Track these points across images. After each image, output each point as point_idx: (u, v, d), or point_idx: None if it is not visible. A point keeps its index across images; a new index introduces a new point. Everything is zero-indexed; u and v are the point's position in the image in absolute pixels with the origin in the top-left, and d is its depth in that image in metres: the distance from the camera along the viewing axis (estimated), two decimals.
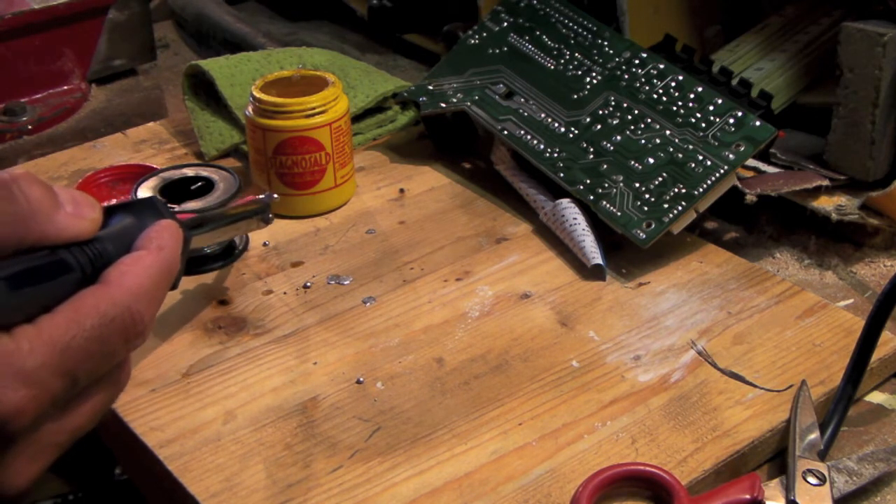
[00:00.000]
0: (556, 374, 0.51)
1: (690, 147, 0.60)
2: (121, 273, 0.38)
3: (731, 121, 0.60)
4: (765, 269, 0.60)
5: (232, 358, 0.53)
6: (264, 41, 0.86)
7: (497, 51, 0.70)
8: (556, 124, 0.65)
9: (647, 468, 0.45)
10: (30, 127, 0.81)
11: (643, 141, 0.62)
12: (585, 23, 0.69)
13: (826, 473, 0.45)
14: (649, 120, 0.63)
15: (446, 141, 0.72)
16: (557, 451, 0.47)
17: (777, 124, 0.60)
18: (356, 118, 0.72)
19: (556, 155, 0.64)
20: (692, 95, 0.62)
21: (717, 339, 0.53)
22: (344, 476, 0.46)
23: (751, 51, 0.70)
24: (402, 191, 0.68)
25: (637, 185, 0.60)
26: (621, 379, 0.51)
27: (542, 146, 0.65)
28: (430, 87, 0.71)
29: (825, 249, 0.63)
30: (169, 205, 0.58)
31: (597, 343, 0.53)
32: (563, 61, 0.68)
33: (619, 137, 0.63)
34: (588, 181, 0.62)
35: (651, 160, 0.61)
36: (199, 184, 0.61)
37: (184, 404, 0.50)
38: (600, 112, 0.64)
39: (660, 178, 0.60)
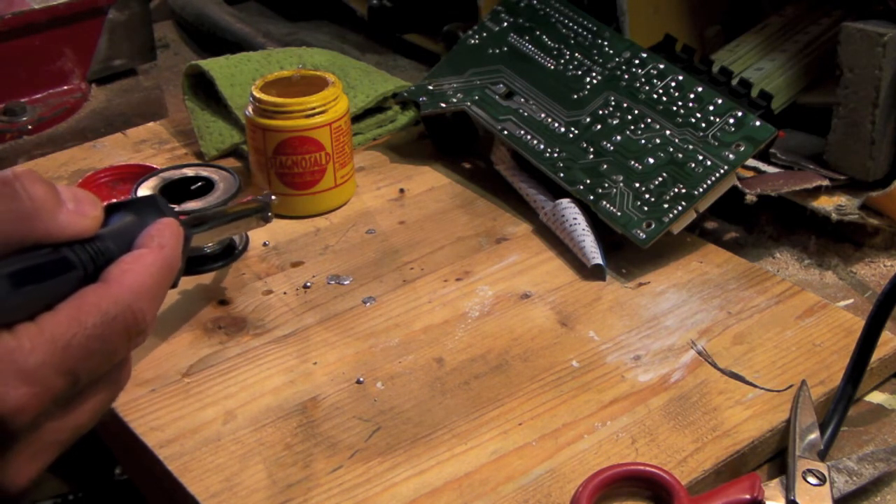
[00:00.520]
0: (556, 374, 0.51)
1: (690, 147, 0.60)
2: (122, 271, 0.38)
3: (731, 121, 0.60)
4: (765, 269, 0.60)
5: (232, 358, 0.53)
6: (264, 41, 0.86)
7: (497, 51, 0.70)
8: (556, 124, 0.65)
9: (647, 468, 0.45)
10: (30, 127, 0.81)
11: (643, 141, 0.62)
12: (585, 23, 0.69)
13: (826, 473, 0.45)
14: (649, 120, 0.63)
15: (446, 141, 0.72)
16: (557, 451, 0.47)
17: (777, 124, 0.60)
18: (356, 118, 0.72)
19: (556, 155, 0.64)
20: (692, 95, 0.62)
21: (717, 339, 0.53)
22: (344, 476, 0.46)
23: (751, 51, 0.70)
24: (402, 191, 0.68)
25: (637, 185, 0.60)
26: (621, 379, 0.51)
27: (542, 146, 0.65)
28: (430, 87, 0.71)
29: (825, 249, 0.63)
30: (169, 205, 0.58)
31: (597, 343, 0.53)
32: (563, 61, 0.68)
33: (619, 137, 0.63)
34: (588, 181, 0.62)
35: (651, 160, 0.61)
36: (199, 184, 0.61)
37: (184, 404, 0.50)
38: (600, 112, 0.64)
39: (660, 178, 0.60)
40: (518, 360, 0.52)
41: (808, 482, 0.44)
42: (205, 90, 0.74)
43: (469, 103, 0.68)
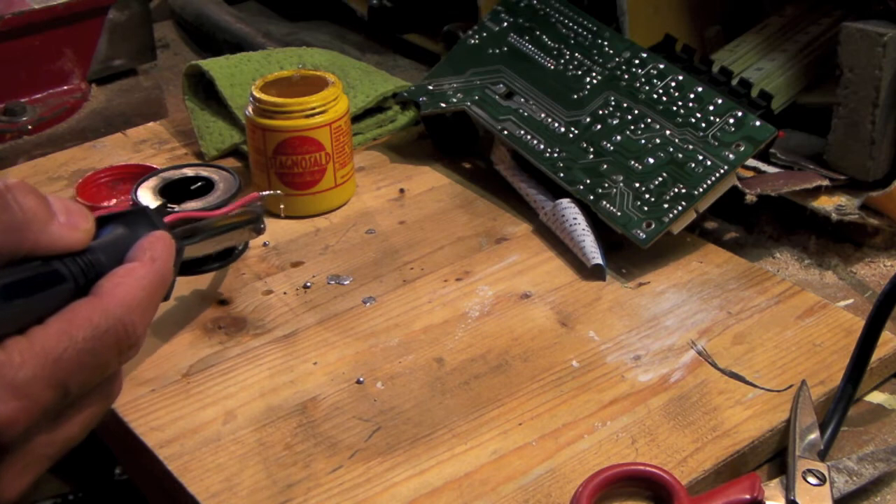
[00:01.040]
0: (556, 374, 0.51)
1: (690, 147, 0.60)
2: (114, 285, 0.38)
3: (731, 121, 0.60)
4: (765, 269, 0.60)
5: (232, 358, 0.53)
6: (264, 41, 0.86)
7: (497, 51, 0.70)
8: (556, 124, 0.65)
9: (647, 468, 0.45)
10: (30, 127, 0.81)
11: (643, 141, 0.62)
12: (585, 23, 0.69)
13: (826, 473, 0.45)
14: (649, 120, 0.63)
15: (446, 141, 0.72)
16: (557, 451, 0.47)
17: (777, 124, 0.60)
18: (356, 118, 0.72)
19: (556, 155, 0.64)
20: (692, 95, 0.62)
21: (717, 339, 0.53)
22: (344, 476, 0.46)
23: (751, 51, 0.70)
24: (402, 191, 0.68)
25: (637, 185, 0.60)
26: (621, 379, 0.51)
27: (542, 146, 0.65)
28: (430, 87, 0.71)
29: (825, 249, 0.63)
30: (169, 205, 0.58)
31: (597, 343, 0.53)
32: (563, 61, 0.68)
33: (619, 137, 0.63)
34: (588, 181, 0.62)
35: (651, 160, 0.61)
36: (199, 184, 0.61)
37: (184, 404, 0.50)
38: (600, 112, 0.64)
39: (660, 178, 0.60)
40: (518, 360, 0.52)
41: (808, 482, 0.44)
42: (205, 90, 0.74)
43: (469, 103, 0.68)
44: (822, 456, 0.46)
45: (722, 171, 0.59)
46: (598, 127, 0.64)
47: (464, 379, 0.51)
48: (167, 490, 0.47)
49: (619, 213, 0.60)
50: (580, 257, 0.59)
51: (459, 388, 0.51)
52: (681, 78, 0.63)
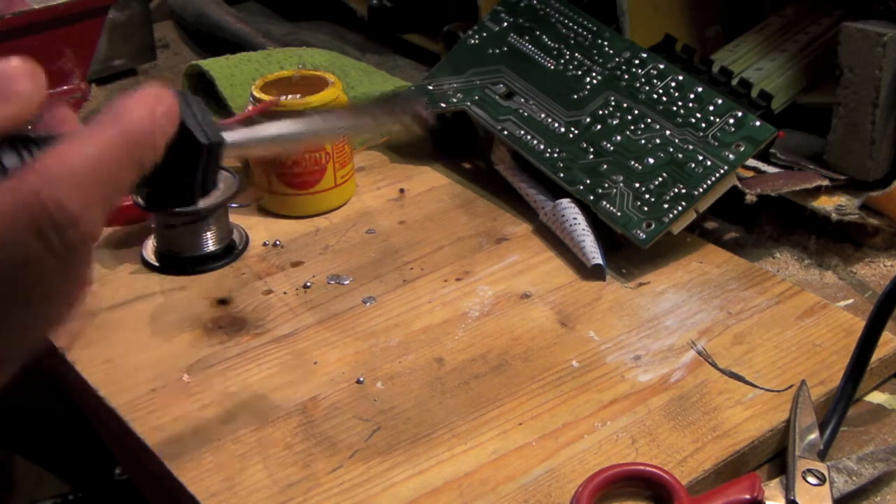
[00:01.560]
0: (556, 374, 0.51)
1: (690, 147, 0.60)
2: (44, 156, 0.31)
3: (731, 121, 0.60)
4: (765, 269, 0.60)
5: (232, 358, 0.53)
6: (264, 41, 0.86)
7: (497, 51, 0.70)
8: (556, 124, 0.65)
9: (647, 468, 0.45)
10: (30, 127, 0.80)
11: (643, 141, 0.62)
12: (585, 23, 0.69)
13: (826, 473, 0.45)
14: (649, 120, 0.63)
15: (446, 141, 0.72)
16: (557, 451, 0.47)
17: (777, 124, 0.60)
18: None
19: (556, 155, 0.64)
20: (692, 95, 0.62)
21: (717, 339, 0.53)
22: (344, 476, 0.46)
23: (751, 51, 0.70)
24: (402, 191, 0.68)
25: (637, 185, 0.60)
26: (621, 379, 0.51)
27: (542, 146, 0.65)
28: (430, 87, 0.70)
29: (825, 249, 0.63)
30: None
31: (597, 343, 0.53)
32: (563, 61, 0.68)
33: (619, 137, 0.63)
34: (588, 181, 0.62)
35: (651, 160, 0.61)
36: None
37: (184, 404, 0.50)
38: (600, 112, 0.64)
39: (660, 178, 0.60)
40: (518, 360, 0.52)
41: (808, 482, 0.44)
42: (205, 90, 0.74)
43: (469, 103, 0.68)
44: (822, 456, 0.46)
45: (722, 171, 0.59)
46: (598, 127, 0.64)
47: (464, 379, 0.51)
48: (167, 490, 0.47)
49: (619, 213, 0.60)
50: (580, 257, 0.59)
51: (459, 388, 0.51)
52: (681, 78, 0.63)
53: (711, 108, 0.61)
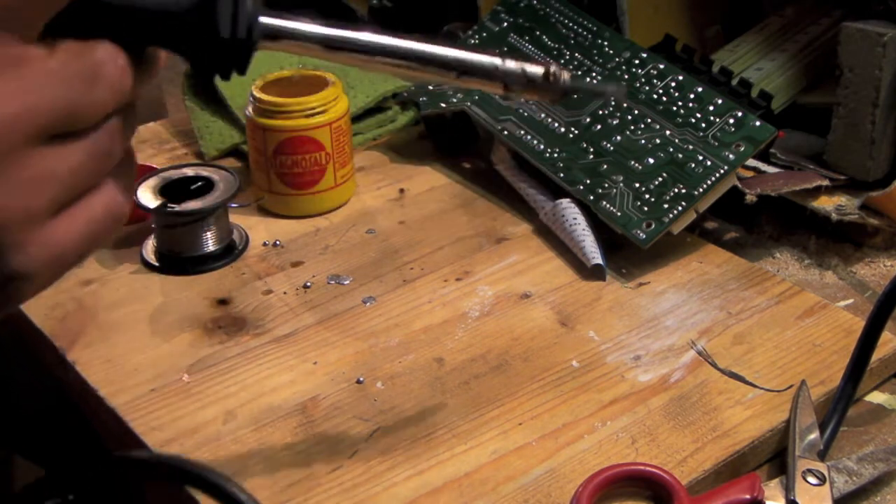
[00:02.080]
0: (556, 374, 0.51)
1: (690, 147, 0.60)
2: None
3: (731, 121, 0.60)
4: (765, 269, 0.60)
5: (232, 358, 0.53)
6: None
7: (497, 51, 0.70)
8: (556, 124, 0.65)
9: (647, 468, 0.45)
10: None
11: (643, 141, 0.62)
12: (585, 23, 0.69)
13: (826, 473, 0.45)
14: (649, 120, 0.63)
15: (446, 141, 0.72)
16: (557, 451, 0.47)
17: (777, 124, 0.60)
18: (356, 118, 0.72)
19: (556, 155, 0.64)
20: (692, 95, 0.62)
21: (717, 339, 0.53)
22: (344, 476, 0.46)
23: (751, 51, 0.70)
24: (402, 191, 0.68)
25: (637, 185, 0.60)
26: (621, 379, 0.51)
27: (542, 146, 0.65)
28: (430, 87, 0.71)
29: (825, 249, 0.63)
30: (169, 205, 0.58)
31: (597, 343, 0.53)
32: (563, 61, 0.68)
33: (619, 137, 0.63)
34: (588, 181, 0.62)
35: (651, 160, 0.61)
36: (199, 184, 0.61)
37: (184, 404, 0.50)
38: (600, 112, 0.64)
39: (660, 178, 0.60)
40: (518, 360, 0.52)
41: (808, 482, 0.44)
42: (205, 90, 0.74)
43: (469, 103, 0.68)
44: (822, 456, 0.46)
45: (722, 171, 0.59)
46: (598, 127, 0.64)
47: (464, 379, 0.51)
48: (167, 490, 0.47)
49: (619, 213, 0.60)
50: (580, 257, 0.59)
51: (459, 388, 0.51)
52: (681, 78, 0.63)
53: (711, 108, 0.61)
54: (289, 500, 0.44)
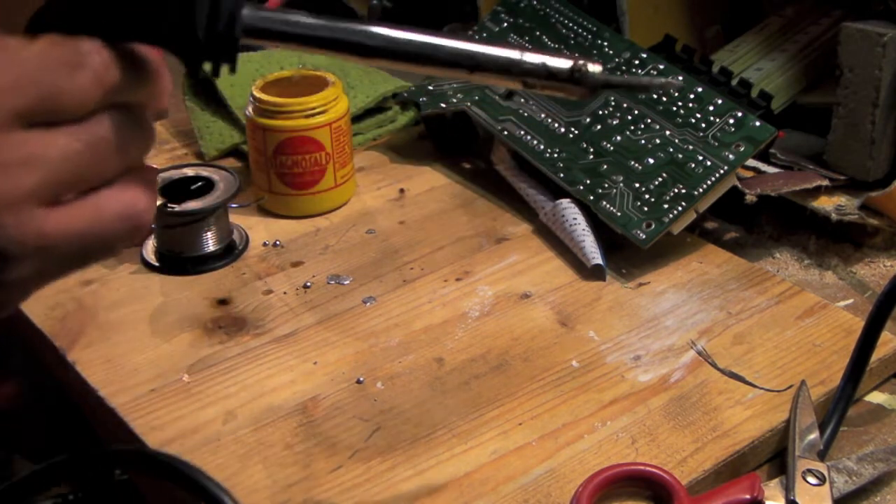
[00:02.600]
0: (556, 374, 0.51)
1: (690, 147, 0.60)
2: None
3: (731, 121, 0.60)
4: (765, 269, 0.60)
5: (232, 358, 0.53)
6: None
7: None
8: (556, 124, 0.65)
9: (647, 468, 0.45)
10: None
11: (643, 141, 0.62)
12: (585, 23, 0.69)
13: (826, 473, 0.45)
14: (649, 120, 0.63)
15: (446, 141, 0.72)
16: (557, 451, 0.47)
17: (777, 124, 0.60)
18: (356, 118, 0.72)
19: (556, 155, 0.64)
20: (692, 96, 0.62)
21: (717, 339, 0.53)
22: (344, 476, 0.46)
23: (751, 51, 0.70)
24: (402, 191, 0.68)
25: (637, 185, 0.60)
26: (621, 379, 0.51)
27: (542, 146, 0.65)
28: (430, 87, 0.71)
29: (825, 249, 0.63)
30: (169, 205, 0.58)
31: (597, 343, 0.53)
32: None
33: (619, 137, 0.63)
34: (588, 181, 0.62)
35: (651, 160, 0.61)
36: (199, 184, 0.61)
37: (184, 404, 0.50)
38: (600, 112, 0.64)
39: (660, 179, 0.60)
40: (518, 360, 0.52)
41: (807, 482, 0.44)
42: (205, 90, 0.74)
43: (469, 103, 0.68)
44: (822, 456, 0.46)
45: (722, 171, 0.59)
46: (598, 127, 0.64)
47: (464, 379, 0.51)
48: (167, 490, 0.47)
49: (619, 214, 0.60)
50: (580, 257, 0.59)
51: (459, 388, 0.51)
52: (681, 78, 0.63)
53: (711, 108, 0.61)
54: (289, 500, 0.45)
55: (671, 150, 0.61)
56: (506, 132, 0.66)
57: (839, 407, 0.48)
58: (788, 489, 0.44)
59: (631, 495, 0.45)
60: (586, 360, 0.52)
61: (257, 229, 0.64)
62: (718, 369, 0.51)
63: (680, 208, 0.59)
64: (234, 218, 0.63)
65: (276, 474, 0.46)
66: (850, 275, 0.61)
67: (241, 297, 0.58)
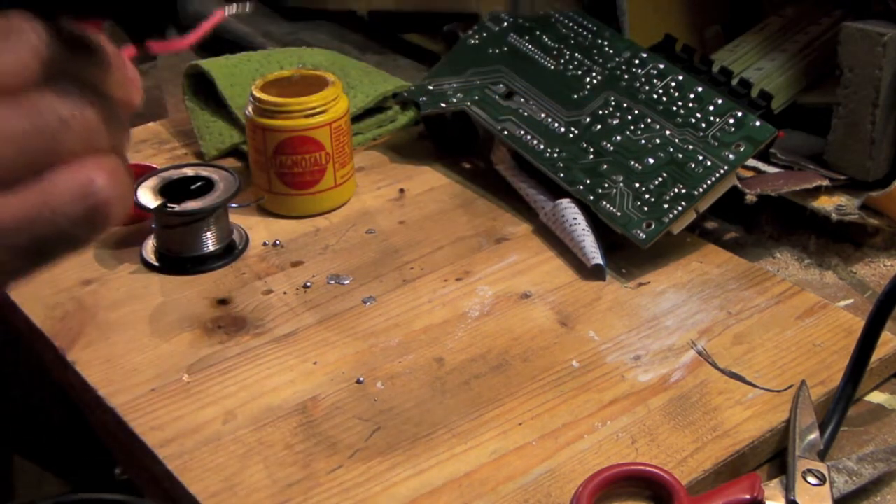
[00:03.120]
0: (556, 374, 0.51)
1: (690, 147, 0.60)
2: None
3: (731, 121, 0.60)
4: (765, 269, 0.60)
5: (232, 358, 0.53)
6: (264, 41, 0.86)
7: (497, 51, 0.70)
8: (556, 124, 0.65)
9: (647, 468, 0.45)
10: None
11: (643, 141, 0.62)
12: (585, 23, 0.69)
13: (826, 473, 0.45)
14: (649, 120, 0.63)
15: (446, 141, 0.72)
16: (557, 451, 0.47)
17: (777, 124, 0.60)
18: (356, 118, 0.72)
19: (556, 155, 0.64)
20: (692, 95, 0.62)
21: (717, 339, 0.53)
22: (344, 476, 0.46)
23: (751, 51, 0.70)
24: (402, 191, 0.68)
25: (637, 185, 0.60)
26: (621, 379, 0.51)
27: (542, 146, 0.65)
28: (430, 87, 0.71)
29: (825, 249, 0.63)
30: (169, 204, 0.58)
31: (597, 343, 0.53)
32: (563, 61, 0.68)
33: (619, 137, 0.63)
34: (588, 181, 0.62)
35: (651, 160, 0.61)
36: (199, 184, 0.61)
37: (184, 404, 0.50)
38: (600, 112, 0.64)
39: (660, 178, 0.60)
40: (518, 360, 0.52)
41: (808, 482, 0.44)
42: (205, 90, 0.74)
43: (469, 103, 0.68)
44: (822, 456, 0.46)
45: (722, 171, 0.59)
46: (598, 127, 0.64)
47: (464, 379, 0.51)
48: (167, 490, 0.47)
49: (619, 213, 0.60)
50: (580, 257, 0.59)
51: (459, 387, 0.51)
52: (681, 78, 0.63)
53: (711, 108, 0.61)
54: (289, 500, 0.45)
55: (671, 149, 0.61)
56: (506, 132, 0.66)
57: (839, 407, 0.48)
58: (788, 489, 0.44)
59: (631, 495, 0.45)
60: (586, 360, 0.52)
61: (257, 229, 0.64)
62: (718, 369, 0.51)
63: (680, 208, 0.59)
64: (234, 218, 0.63)
65: (276, 474, 0.46)
66: (850, 275, 0.61)
67: (240, 297, 0.58)
